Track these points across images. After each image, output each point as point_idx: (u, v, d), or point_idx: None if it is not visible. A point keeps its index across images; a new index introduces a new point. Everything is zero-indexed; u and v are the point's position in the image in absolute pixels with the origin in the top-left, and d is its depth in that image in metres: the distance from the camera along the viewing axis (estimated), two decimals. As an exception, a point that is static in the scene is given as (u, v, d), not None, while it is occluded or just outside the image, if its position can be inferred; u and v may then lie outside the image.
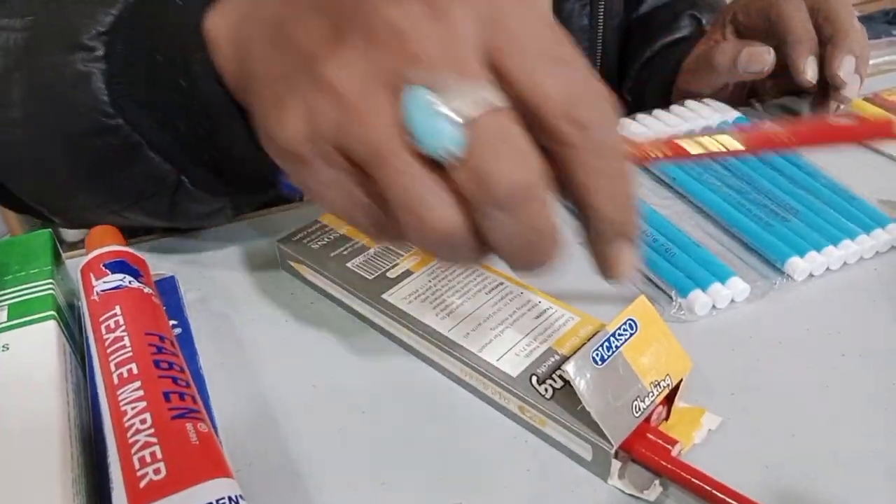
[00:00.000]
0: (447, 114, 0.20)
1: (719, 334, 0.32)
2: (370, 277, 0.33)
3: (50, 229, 0.33)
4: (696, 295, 0.33)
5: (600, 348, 0.25)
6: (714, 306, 0.33)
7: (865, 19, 1.88)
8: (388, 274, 0.33)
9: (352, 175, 0.22)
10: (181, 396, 0.24)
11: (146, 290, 0.29)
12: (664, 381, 0.26)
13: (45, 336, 0.27)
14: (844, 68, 0.48)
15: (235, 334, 0.33)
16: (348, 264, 0.33)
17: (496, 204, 0.20)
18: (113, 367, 0.25)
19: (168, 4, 0.30)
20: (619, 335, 0.26)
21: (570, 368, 0.25)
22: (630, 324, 0.26)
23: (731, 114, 0.47)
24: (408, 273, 0.33)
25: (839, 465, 0.26)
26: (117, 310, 0.27)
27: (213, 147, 0.31)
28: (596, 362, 0.25)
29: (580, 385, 0.25)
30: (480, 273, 0.33)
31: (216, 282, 0.36)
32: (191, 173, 0.32)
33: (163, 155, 0.32)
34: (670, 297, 0.34)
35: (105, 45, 0.31)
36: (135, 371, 0.24)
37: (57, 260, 0.32)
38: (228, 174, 0.33)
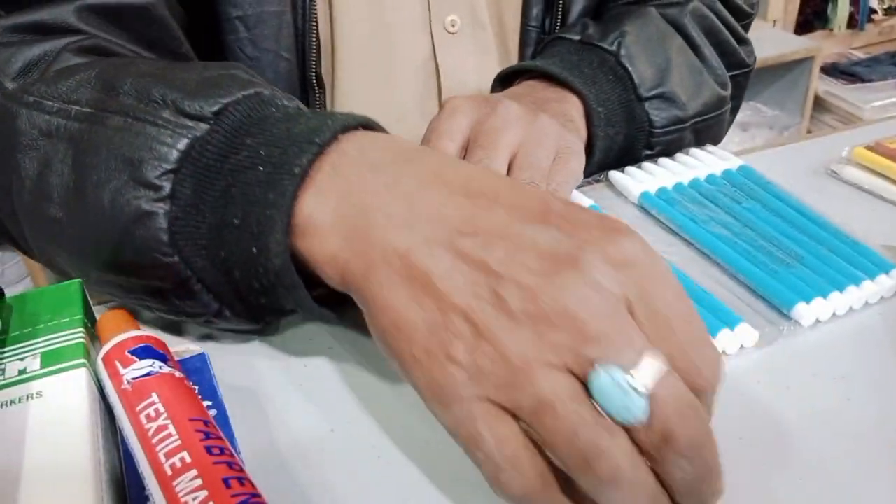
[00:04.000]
0: (636, 387, 0.22)
1: (729, 379, 0.33)
2: None
3: (79, 279, 0.35)
4: (705, 341, 0.34)
5: None
6: (723, 352, 0.34)
7: (871, 61, 1.91)
8: None
9: (506, 420, 0.23)
10: (240, 482, 0.24)
11: (177, 374, 0.29)
12: None
13: (76, 383, 0.28)
14: None
15: (249, 386, 0.34)
16: None
17: (681, 454, 0.22)
18: (163, 458, 0.25)
19: (251, 157, 0.29)
20: None
21: None
22: None
23: (734, 161, 0.49)
24: None
25: (848, 510, 0.27)
26: (154, 397, 0.27)
27: (268, 298, 0.31)
28: None
29: None
30: None
31: (227, 336, 0.36)
32: (235, 308, 0.32)
33: (211, 291, 0.32)
34: (679, 343, 0.35)
35: (173, 181, 0.30)
36: (188, 460, 0.24)
37: (86, 308, 0.33)
38: (275, 314, 0.34)
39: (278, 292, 0.30)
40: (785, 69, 1.77)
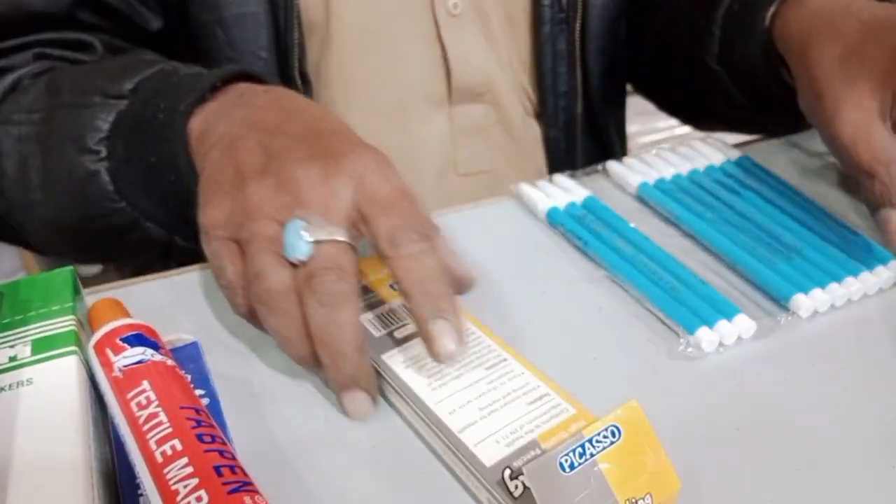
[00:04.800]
0: (305, 237, 0.31)
1: (726, 371, 0.33)
2: (377, 335, 0.33)
3: (72, 267, 0.34)
4: (703, 332, 0.34)
5: (571, 454, 0.23)
6: (721, 343, 0.34)
7: None
8: (395, 333, 0.33)
9: (236, 251, 0.33)
10: (232, 469, 0.24)
11: (169, 362, 0.29)
12: (643, 499, 0.24)
13: (67, 371, 0.27)
14: None
15: (243, 376, 0.33)
16: (361, 317, 0.33)
17: (314, 293, 0.30)
18: (154, 445, 0.24)
19: (154, 111, 0.39)
20: (597, 442, 0.24)
21: (529, 473, 0.23)
22: (612, 430, 0.24)
23: (733, 153, 0.48)
24: (415, 335, 0.33)
25: (844, 499, 0.27)
26: (146, 385, 0.27)
27: (176, 198, 0.39)
28: (563, 469, 0.23)
29: (539, 493, 0.22)
30: (487, 346, 0.32)
31: (221, 327, 0.36)
32: (182, 231, 0.41)
33: (157, 224, 0.41)
34: (677, 335, 0.34)
35: (107, 147, 0.40)
36: (178, 447, 0.24)
37: (77, 296, 0.33)
38: None
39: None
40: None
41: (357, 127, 0.53)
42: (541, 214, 0.45)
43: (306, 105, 0.38)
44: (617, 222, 0.42)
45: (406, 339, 0.33)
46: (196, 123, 0.37)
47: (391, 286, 0.36)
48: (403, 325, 0.33)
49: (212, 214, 0.33)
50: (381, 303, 0.35)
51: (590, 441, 0.24)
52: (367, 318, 0.34)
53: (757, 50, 0.47)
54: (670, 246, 0.41)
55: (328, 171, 0.33)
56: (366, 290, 0.36)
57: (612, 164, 0.49)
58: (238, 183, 0.33)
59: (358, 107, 0.55)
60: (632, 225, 0.42)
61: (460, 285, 0.35)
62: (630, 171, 0.47)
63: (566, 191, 0.46)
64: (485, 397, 0.29)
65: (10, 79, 0.47)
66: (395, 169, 0.34)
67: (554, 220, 0.44)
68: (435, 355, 0.30)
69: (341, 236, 0.31)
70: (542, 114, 0.60)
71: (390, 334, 0.33)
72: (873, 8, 0.39)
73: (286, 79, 0.51)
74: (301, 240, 0.31)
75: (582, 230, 0.42)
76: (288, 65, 0.51)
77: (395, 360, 0.32)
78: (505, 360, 0.31)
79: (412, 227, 0.32)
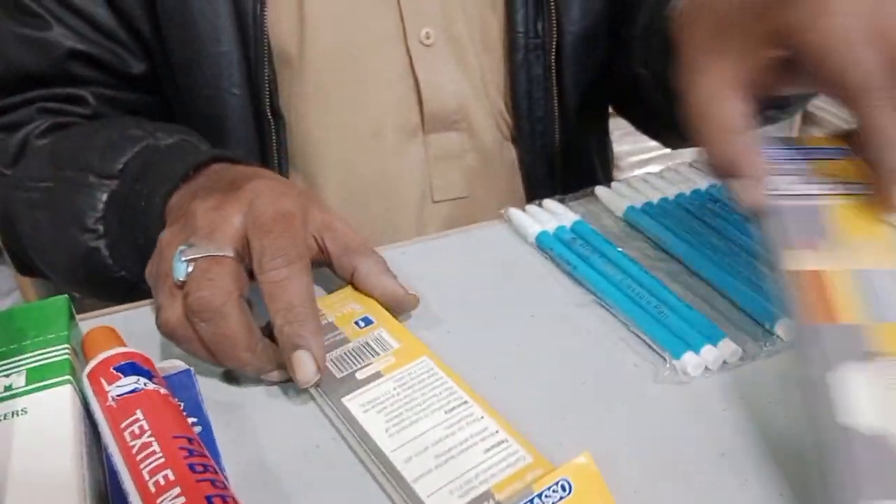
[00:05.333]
0: (181, 259, 0.34)
1: (711, 395, 0.33)
2: (339, 376, 0.33)
3: (66, 295, 0.35)
4: (689, 357, 0.34)
5: None
6: (707, 368, 0.35)
7: None
8: (357, 374, 0.33)
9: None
10: (223, 499, 0.24)
11: (162, 390, 0.29)
12: None
13: (61, 401, 0.28)
14: None
15: (235, 402, 0.34)
16: (326, 356, 0.33)
17: (194, 313, 0.33)
18: (147, 475, 0.25)
19: (138, 197, 0.43)
20: (546, 497, 0.23)
21: None
22: (563, 484, 0.24)
23: (721, 177, 0.49)
24: (377, 375, 0.33)
25: (828, 525, 0.27)
26: (139, 414, 0.27)
27: None
28: None
29: None
30: (448, 388, 0.32)
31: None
32: (140, 275, 0.44)
33: (132, 274, 0.46)
34: (664, 359, 0.35)
35: (103, 225, 0.45)
36: (171, 477, 0.24)
37: (72, 323, 0.33)
38: None
39: None
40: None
41: (331, 158, 0.55)
42: (530, 238, 0.45)
43: (255, 171, 0.41)
44: (605, 246, 0.43)
45: (368, 379, 0.33)
46: (170, 206, 0.41)
47: (356, 323, 0.36)
48: (367, 365, 0.34)
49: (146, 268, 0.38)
50: (345, 341, 0.35)
51: (539, 496, 0.24)
52: (331, 357, 0.34)
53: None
54: (657, 270, 0.41)
55: (222, 201, 0.36)
56: (331, 328, 0.36)
57: (600, 189, 0.49)
58: (162, 238, 0.38)
59: (332, 138, 0.56)
60: (619, 249, 0.43)
61: (396, 305, 0.37)
62: (617, 196, 0.48)
63: (555, 215, 0.47)
64: (442, 444, 0.29)
65: (20, 135, 0.52)
66: (295, 193, 0.37)
67: (543, 244, 0.44)
68: (297, 382, 0.32)
69: (217, 251, 0.34)
70: (519, 139, 0.60)
71: (352, 374, 0.33)
72: None
73: (258, 114, 0.53)
74: (180, 264, 0.34)
75: (570, 254, 0.43)
76: (259, 100, 0.52)
77: (355, 404, 0.32)
78: (465, 402, 0.31)
79: (279, 251, 0.34)
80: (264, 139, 0.54)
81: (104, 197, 0.45)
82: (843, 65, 0.30)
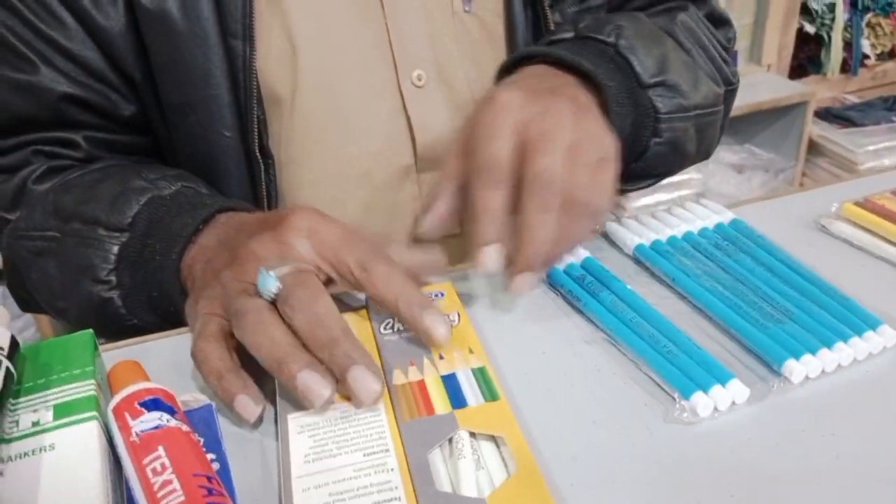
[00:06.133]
0: (271, 274, 0.36)
1: (720, 436, 0.34)
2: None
3: (91, 330, 0.36)
4: (699, 397, 0.35)
5: None
6: (716, 408, 0.35)
7: (864, 105, 1.94)
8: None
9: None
10: None
11: (184, 427, 0.30)
12: None
13: (88, 436, 0.29)
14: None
15: (254, 438, 0.35)
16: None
17: (292, 308, 0.35)
18: None
19: (151, 252, 0.45)
20: None
21: None
22: None
23: (727, 215, 0.50)
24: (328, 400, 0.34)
25: (835, 569, 0.27)
26: (161, 451, 0.28)
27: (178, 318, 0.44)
28: None
29: None
30: (380, 431, 0.33)
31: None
32: (152, 323, 0.47)
33: (144, 322, 0.47)
34: (673, 399, 0.36)
35: (116, 276, 0.47)
36: None
37: (96, 355, 0.34)
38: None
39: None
40: (779, 113, 1.80)
41: (324, 197, 0.56)
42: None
43: (280, 212, 0.43)
44: (614, 283, 0.44)
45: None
46: (185, 263, 0.44)
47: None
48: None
49: (203, 306, 0.39)
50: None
51: None
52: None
53: None
54: (666, 307, 0.42)
55: (278, 233, 0.39)
56: None
57: (610, 225, 0.50)
58: (214, 280, 0.40)
59: (323, 177, 0.56)
60: (629, 286, 0.43)
61: (431, 268, 0.42)
62: (627, 232, 0.49)
63: None
64: (343, 484, 0.30)
65: (16, 180, 0.53)
66: (332, 217, 0.40)
67: (554, 280, 0.45)
68: (435, 343, 0.37)
69: (302, 266, 0.37)
70: None
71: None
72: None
73: (248, 154, 0.54)
74: (268, 277, 0.36)
75: (581, 291, 0.43)
76: (249, 140, 0.53)
77: (295, 423, 0.33)
78: (387, 450, 0.32)
79: (375, 253, 0.38)
80: (255, 178, 0.54)
81: (115, 249, 0.47)
82: (478, 147, 0.41)
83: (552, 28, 0.57)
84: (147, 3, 0.50)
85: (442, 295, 0.42)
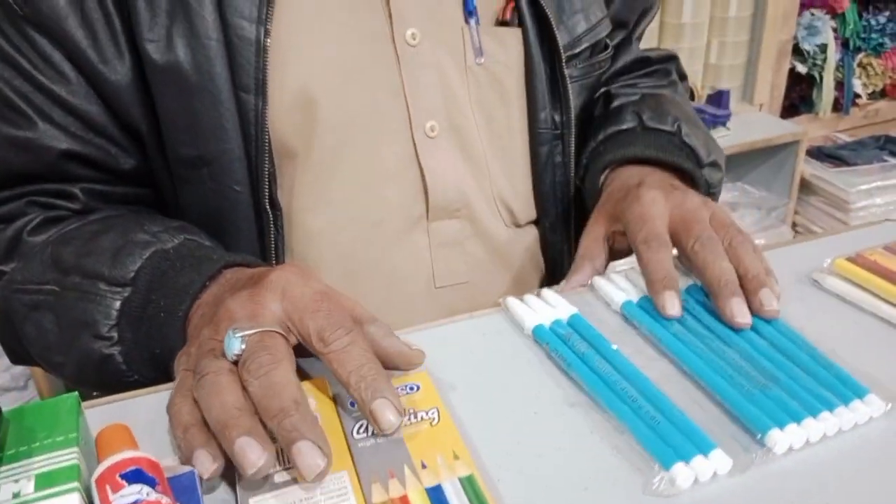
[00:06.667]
0: (236, 335, 0.37)
1: (702, 507, 0.34)
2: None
3: (76, 393, 0.35)
4: (679, 468, 0.35)
5: None
6: (696, 480, 0.35)
7: (856, 144, 1.96)
8: (276, 476, 0.34)
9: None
10: None
11: (164, 500, 0.30)
12: None
13: (68, 510, 0.28)
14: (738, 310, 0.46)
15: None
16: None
17: (250, 373, 0.36)
18: None
19: (155, 309, 0.45)
20: None
21: None
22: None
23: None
24: (292, 482, 0.34)
25: None
26: None
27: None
28: None
29: None
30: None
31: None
32: (152, 379, 0.46)
33: (145, 379, 0.47)
34: (653, 469, 0.36)
35: (117, 332, 0.46)
36: None
37: (81, 418, 0.34)
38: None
39: None
40: (772, 151, 1.82)
41: (332, 247, 0.57)
42: (527, 331, 0.46)
43: (270, 267, 0.44)
44: (600, 342, 0.44)
45: (284, 483, 0.34)
46: (190, 320, 0.44)
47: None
48: (289, 469, 0.35)
49: (182, 362, 0.40)
50: None
51: None
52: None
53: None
54: (652, 369, 0.42)
55: (254, 292, 0.40)
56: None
57: (598, 280, 0.51)
58: (195, 338, 0.41)
59: (333, 228, 0.56)
60: (614, 347, 0.44)
61: (405, 362, 0.41)
62: (615, 289, 0.49)
63: (552, 307, 0.48)
64: None
65: (10, 231, 0.52)
66: (316, 276, 0.41)
67: (540, 337, 0.45)
68: (382, 430, 0.36)
69: (268, 327, 0.38)
70: (545, 220, 0.64)
71: (271, 475, 0.34)
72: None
73: (258, 208, 0.53)
74: (234, 339, 0.37)
75: (566, 350, 0.43)
76: (259, 194, 0.53)
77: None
78: None
79: (337, 323, 0.38)
80: (262, 230, 0.54)
81: (117, 305, 0.46)
82: (632, 232, 0.51)
83: (567, 80, 0.60)
84: (157, 57, 0.49)
85: (417, 388, 0.40)
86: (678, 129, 0.62)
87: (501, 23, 0.59)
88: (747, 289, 0.46)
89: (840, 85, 1.97)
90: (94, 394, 0.46)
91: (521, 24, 0.59)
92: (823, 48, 1.89)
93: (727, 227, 0.50)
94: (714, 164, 0.63)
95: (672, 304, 0.46)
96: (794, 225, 1.89)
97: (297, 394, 0.35)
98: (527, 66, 0.60)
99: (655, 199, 0.52)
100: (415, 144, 0.57)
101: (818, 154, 1.91)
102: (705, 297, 0.48)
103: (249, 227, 0.54)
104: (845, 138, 2.00)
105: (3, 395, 1.36)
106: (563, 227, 0.65)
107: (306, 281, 0.40)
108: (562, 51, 0.59)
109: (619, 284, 0.50)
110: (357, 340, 0.38)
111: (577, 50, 0.61)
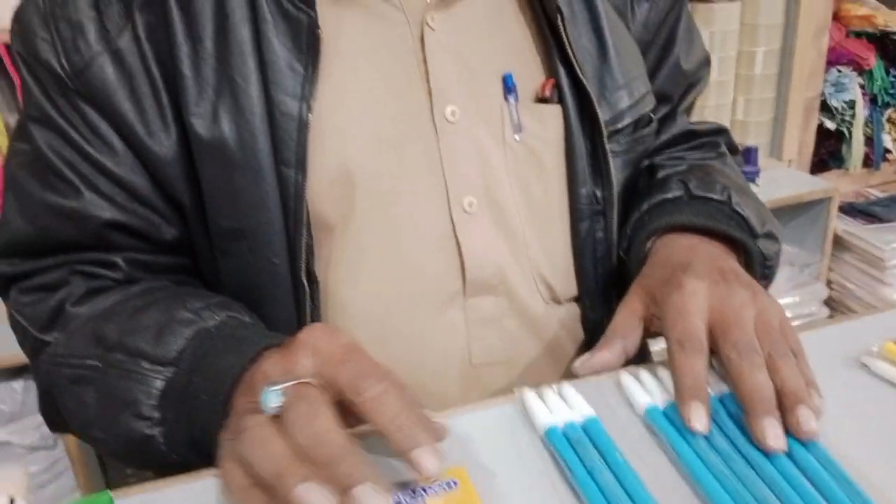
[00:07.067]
0: (272, 389, 0.38)
1: None
2: None
3: (109, 493, 0.36)
4: None
5: None
6: None
7: (889, 200, 1.94)
8: None
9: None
10: None
11: None
12: None
13: None
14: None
15: None
16: None
17: (291, 424, 0.36)
18: None
19: (197, 390, 0.45)
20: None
21: None
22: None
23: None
24: None
25: None
26: None
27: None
28: None
29: None
30: None
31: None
32: (193, 461, 0.46)
33: (185, 460, 0.47)
34: None
35: (159, 412, 0.46)
36: None
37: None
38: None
39: None
40: (803, 208, 1.80)
41: (368, 322, 0.57)
42: (539, 431, 0.45)
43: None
44: (613, 456, 0.42)
45: None
46: (231, 402, 0.43)
47: None
48: None
49: (223, 435, 0.40)
50: None
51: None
52: None
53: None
54: (666, 491, 0.40)
55: (284, 353, 0.41)
56: None
57: (625, 378, 0.48)
58: (233, 409, 0.41)
59: (369, 302, 0.56)
60: (628, 462, 0.42)
61: (434, 432, 0.39)
62: (641, 390, 0.47)
63: (569, 406, 0.46)
64: None
65: (53, 301, 0.53)
66: (343, 332, 0.42)
67: (551, 440, 0.44)
68: (424, 475, 0.36)
69: (304, 378, 0.38)
70: (585, 297, 0.63)
71: None
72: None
73: (296, 281, 0.54)
74: (270, 393, 0.37)
75: (575, 461, 0.42)
76: (296, 267, 0.53)
77: None
78: None
79: (368, 372, 0.39)
80: (299, 302, 0.54)
81: (159, 385, 0.46)
82: (668, 325, 0.48)
83: (609, 156, 0.59)
84: (202, 132, 0.50)
85: (455, 484, 0.40)
86: (728, 198, 0.59)
87: (541, 99, 0.59)
88: (784, 405, 0.43)
89: (869, 140, 1.95)
90: (129, 471, 0.48)
91: (561, 100, 0.59)
92: (851, 104, 1.88)
93: (771, 332, 0.46)
94: (770, 236, 0.59)
95: (698, 418, 0.43)
96: (828, 283, 1.85)
97: (343, 439, 0.35)
98: (567, 141, 0.59)
99: (697, 291, 0.48)
100: (452, 220, 0.56)
101: (850, 210, 1.89)
102: (739, 410, 0.45)
103: (287, 298, 0.54)
104: (877, 194, 1.97)
105: (32, 453, 1.37)
106: (603, 305, 0.63)
107: (334, 336, 0.41)
108: (603, 127, 0.58)
109: (646, 385, 0.48)
110: (390, 388, 0.38)
111: (620, 125, 0.60)
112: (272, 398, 0.37)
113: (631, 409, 0.47)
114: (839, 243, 1.85)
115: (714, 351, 0.47)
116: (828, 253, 1.82)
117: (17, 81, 1.11)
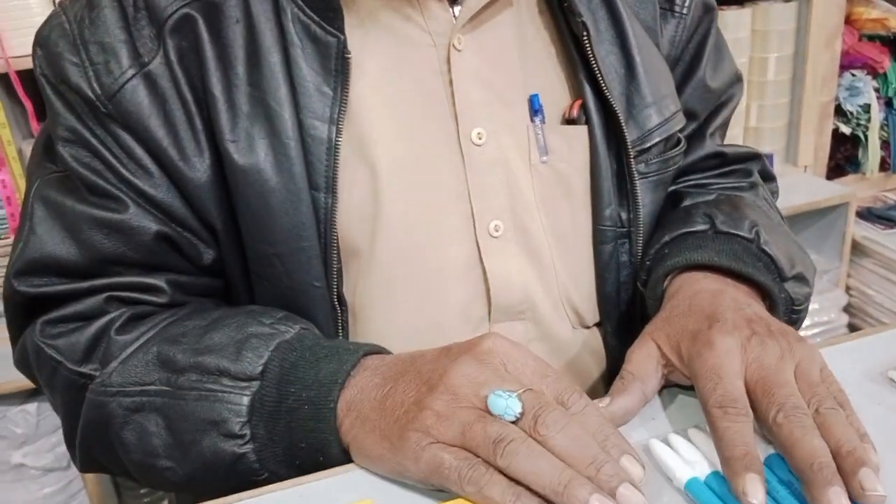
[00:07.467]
0: (509, 395, 0.39)
1: None
2: None
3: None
4: None
5: None
6: None
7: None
8: None
9: (446, 446, 0.40)
10: None
11: None
12: None
13: None
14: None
15: None
16: None
17: (548, 427, 0.39)
18: None
19: (296, 400, 0.44)
20: None
21: None
22: None
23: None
24: None
25: None
26: None
27: (316, 468, 0.45)
28: None
29: None
30: None
31: None
32: (283, 476, 0.45)
33: (280, 477, 0.46)
34: None
35: (250, 429, 0.45)
36: None
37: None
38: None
39: (330, 464, 0.46)
40: (820, 214, 1.78)
41: (394, 348, 0.55)
42: None
43: (415, 352, 0.46)
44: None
45: None
46: (341, 409, 0.44)
47: None
48: None
49: (418, 438, 0.40)
50: None
51: None
52: None
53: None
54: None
55: (476, 361, 0.42)
56: None
57: (657, 446, 0.45)
58: (415, 412, 0.41)
59: (396, 327, 0.56)
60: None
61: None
62: (677, 460, 0.43)
63: None
64: None
65: (92, 330, 0.51)
66: (521, 344, 0.45)
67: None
68: (633, 481, 0.39)
69: (527, 387, 0.40)
70: (607, 323, 0.61)
71: None
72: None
73: (332, 303, 0.53)
74: (509, 399, 0.38)
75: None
76: (331, 289, 0.53)
77: None
78: None
79: (570, 388, 0.42)
80: (336, 324, 0.54)
81: (246, 401, 0.45)
82: (705, 389, 0.45)
83: (635, 177, 0.57)
84: (238, 157, 0.50)
85: None
86: (756, 236, 0.56)
87: (568, 121, 0.58)
88: (843, 468, 0.40)
89: (886, 144, 1.92)
90: (142, 491, 0.47)
91: (587, 120, 0.57)
92: (866, 108, 1.85)
93: (814, 385, 0.44)
94: (799, 278, 0.57)
95: (755, 492, 0.39)
96: (847, 289, 1.83)
97: (594, 442, 0.39)
98: (592, 161, 0.58)
99: (731, 351, 0.46)
100: (478, 244, 0.55)
101: (868, 215, 1.86)
102: (790, 475, 0.42)
103: (327, 321, 0.54)
104: (895, 198, 1.94)
105: (46, 475, 1.37)
106: (625, 332, 0.62)
107: (521, 349, 0.44)
108: (630, 146, 0.57)
109: (683, 453, 0.44)
110: (590, 403, 0.41)
111: (648, 145, 0.58)
112: (515, 404, 0.38)
113: (667, 481, 0.43)
114: (857, 249, 1.82)
115: (755, 411, 0.44)
116: (846, 259, 1.79)
117: (29, 108, 1.10)
